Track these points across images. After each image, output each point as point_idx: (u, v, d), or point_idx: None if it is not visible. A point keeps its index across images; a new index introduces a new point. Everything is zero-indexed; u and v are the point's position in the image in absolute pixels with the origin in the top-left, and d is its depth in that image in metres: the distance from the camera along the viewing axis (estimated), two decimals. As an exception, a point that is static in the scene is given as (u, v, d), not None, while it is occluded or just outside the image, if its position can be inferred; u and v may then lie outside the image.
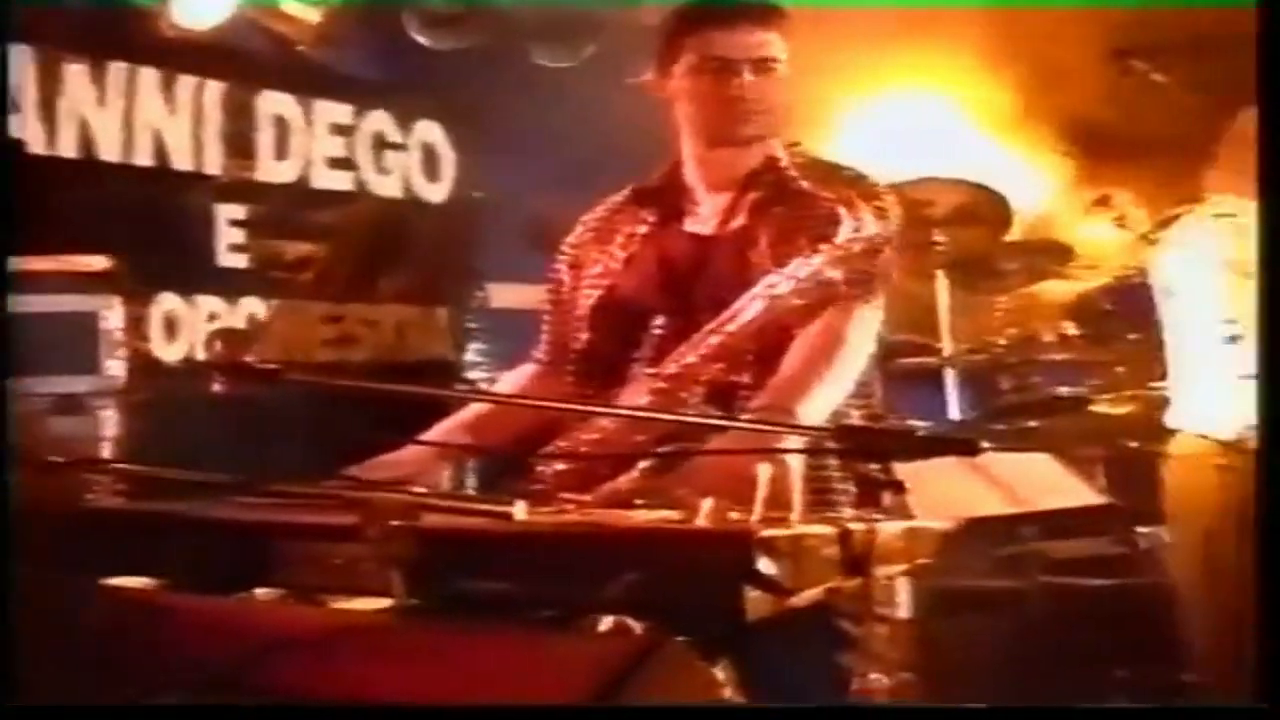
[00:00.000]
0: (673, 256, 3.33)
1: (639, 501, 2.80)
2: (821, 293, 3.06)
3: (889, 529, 2.44)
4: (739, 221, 3.30)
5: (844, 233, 3.05)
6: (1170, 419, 4.21)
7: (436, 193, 6.77)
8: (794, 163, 3.32)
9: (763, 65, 3.25)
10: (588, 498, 2.89)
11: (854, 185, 3.23)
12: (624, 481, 3.00)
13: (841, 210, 3.08)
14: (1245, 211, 4.11)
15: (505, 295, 6.35)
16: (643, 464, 3.00)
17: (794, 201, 3.24)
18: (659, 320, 3.25)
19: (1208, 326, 4.06)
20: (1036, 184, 7.20)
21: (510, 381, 3.67)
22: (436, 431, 3.36)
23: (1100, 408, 6.02)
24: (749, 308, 3.06)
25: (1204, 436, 4.13)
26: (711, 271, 3.25)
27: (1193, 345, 4.18)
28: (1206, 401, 4.16)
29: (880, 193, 3.26)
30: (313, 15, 6.11)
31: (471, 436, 3.35)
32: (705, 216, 3.36)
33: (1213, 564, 4.04)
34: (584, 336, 3.38)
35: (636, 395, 3.12)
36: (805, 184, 3.25)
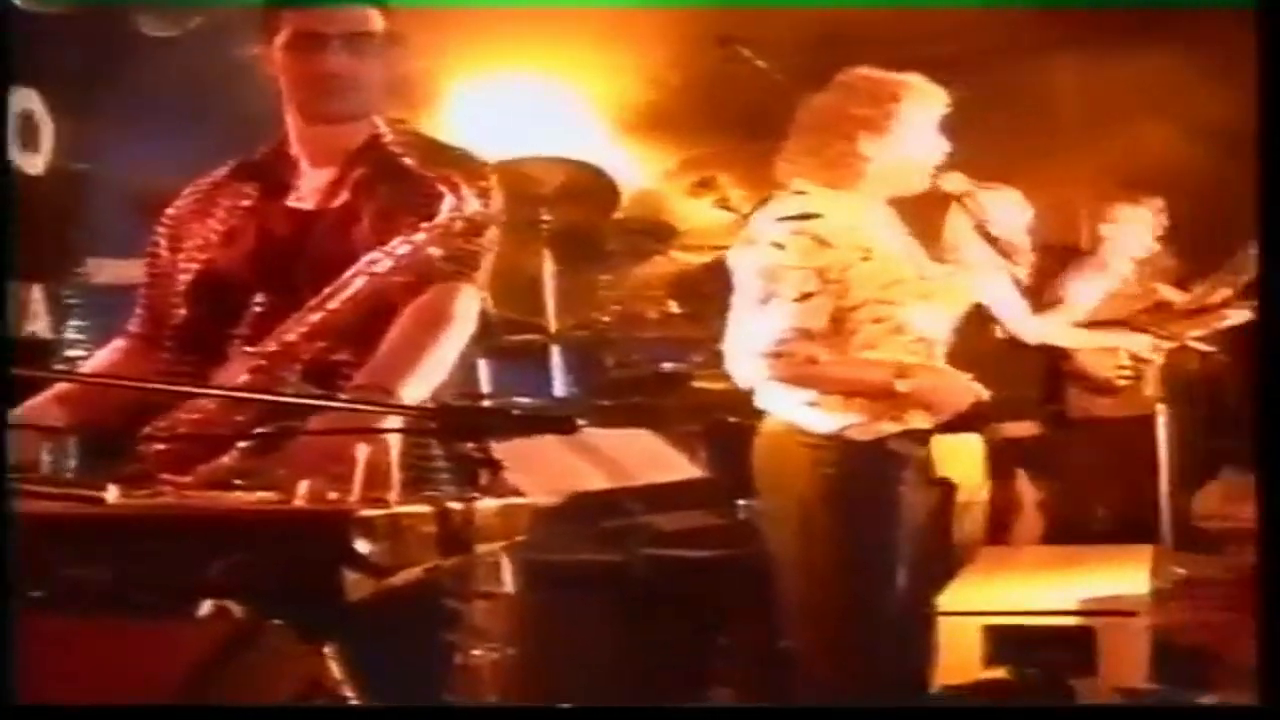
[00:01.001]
0: (274, 232, 3.29)
1: (239, 482, 2.77)
2: (422, 271, 3.06)
3: (486, 507, 2.47)
4: (342, 198, 3.28)
5: (445, 211, 3.07)
6: (759, 398, 4.28)
7: (35, 164, 6.55)
8: (398, 140, 3.29)
9: (357, 41, 3.22)
10: (187, 479, 2.84)
11: (457, 164, 3.23)
12: (224, 462, 2.95)
13: (443, 189, 3.09)
14: (819, 194, 4.18)
15: (109, 271, 6.17)
16: (243, 444, 2.97)
17: (397, 179, 3.22)
18: (259, 297, 3.20)
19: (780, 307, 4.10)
20: (642, 164, 7.32)
21: (103, 357, 3.52)
22: (28, 409, 3.18)
23: (701, 383, 6.15)
24: (350, 285, 3.04)
25: (789, 421, 4.20)
26: (313, 248, 3.22)
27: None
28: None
29: (484, 171, 3.27)
30: (-104, -26, 5.84)
31: (65, 414, 3.18)
32: (308, 192, 3.33)
33: (804, 536, 4.14)
34: (182, 312, 3.31)
35: (236, 373, 3.07)
36: (409, 161, 3.22)
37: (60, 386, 3.28)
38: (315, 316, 3.05)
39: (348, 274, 3.06)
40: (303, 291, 3.11)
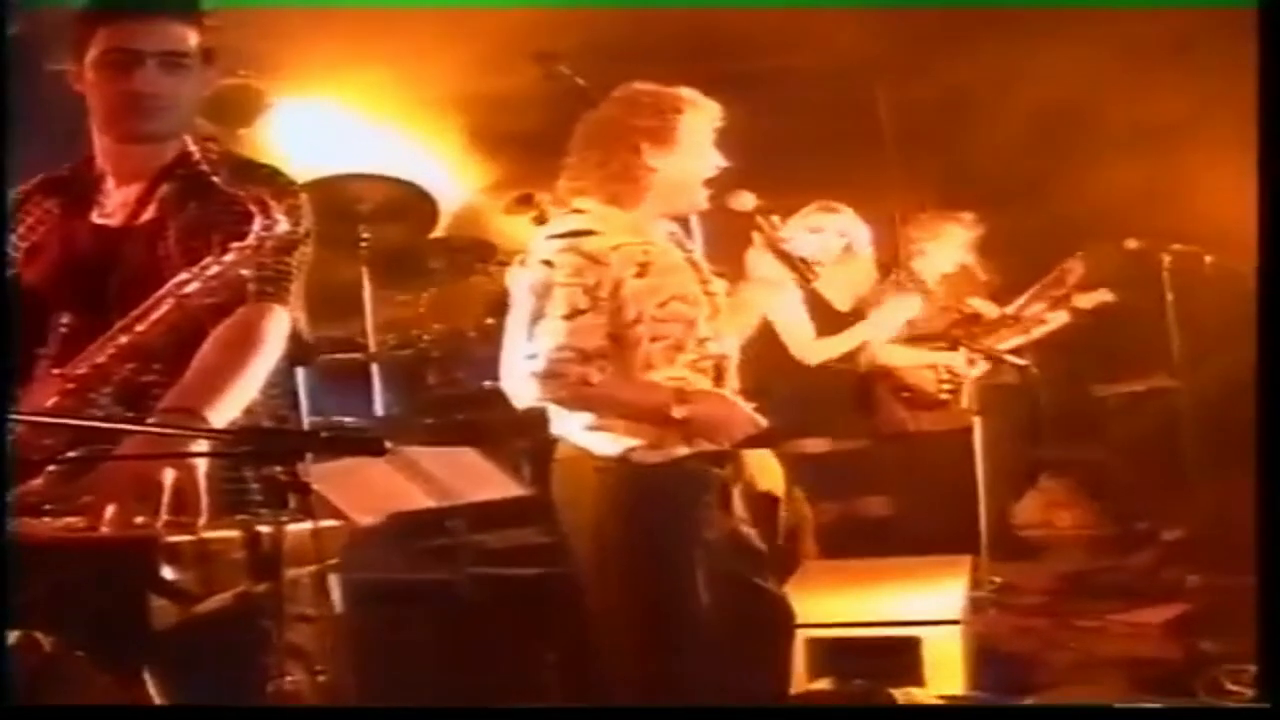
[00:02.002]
0: (79, 248, 3.22)
1: (48, 507, 2.71)
2: (232, 292, 3.02)
3: (297, 530, 2.44)
4: (149, 215, 3.21)
5: (255, 231, 3.03)
6: (551, 421, 4.24)
7: None
8: (208, 159, 3.22)
9: (169, 60, 3.16)
10: (-5, 505, 2.78)
11: (267, 183, 3.18)
12: (34, 486, 2.89)
13: (253, 208, 3.05)
14: (597, 211, 4.14)
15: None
16: (51, 468, 2.90)
17: (206, 198, 3.16)
18: (65, 317, 3.14)
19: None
20: (462, 182, 7.30)
21: None
22: None
23: (523, 401, 6.13)
24: (160, 306, 2.99)
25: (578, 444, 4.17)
26: (120, 266, 3.16)
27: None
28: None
29: (294, 191, 3.22)
30: None
31: None
32: (114, 208, 3.26)
33: (599, 558, 4.08)
34: None
35: (45, 395, 2.99)
36: (218, 180, 3.16)
37: None
38: (125, 338, 2.99)
39: (158, 294, 3.00)
40: (110, 310, 3.05)
